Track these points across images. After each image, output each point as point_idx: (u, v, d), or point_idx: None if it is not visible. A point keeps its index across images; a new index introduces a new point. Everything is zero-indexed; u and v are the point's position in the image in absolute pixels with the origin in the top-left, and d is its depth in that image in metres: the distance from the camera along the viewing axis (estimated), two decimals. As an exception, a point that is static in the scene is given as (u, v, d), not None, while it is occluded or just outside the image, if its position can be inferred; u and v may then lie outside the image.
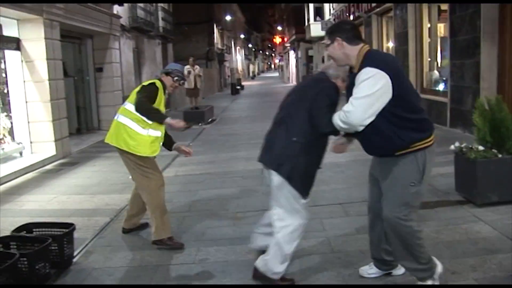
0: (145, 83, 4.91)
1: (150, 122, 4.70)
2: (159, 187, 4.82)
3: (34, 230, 4.60)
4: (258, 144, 3.86)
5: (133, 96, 4.81)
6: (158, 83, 4.87)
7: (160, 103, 4.83)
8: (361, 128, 3.22)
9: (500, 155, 5.07)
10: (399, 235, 3.33)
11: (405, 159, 3.28)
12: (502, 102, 5.23)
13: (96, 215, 5.99)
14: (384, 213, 3.37)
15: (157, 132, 4.80)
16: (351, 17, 19.28)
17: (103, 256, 4.69)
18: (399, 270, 3.73)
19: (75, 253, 4.64)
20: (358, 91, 3.17)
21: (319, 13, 31.26)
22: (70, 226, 4.49)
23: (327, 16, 28.43)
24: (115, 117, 4.91)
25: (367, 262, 3.84)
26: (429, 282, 3.38)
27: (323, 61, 31.79)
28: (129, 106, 4.78)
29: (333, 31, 3.43)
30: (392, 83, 3.13)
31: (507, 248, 4.10)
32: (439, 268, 3.43)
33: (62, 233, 4.34)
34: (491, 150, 5.12)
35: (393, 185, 3.33)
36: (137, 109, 4.66)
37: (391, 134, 3.23)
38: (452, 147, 5.48)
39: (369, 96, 3.12)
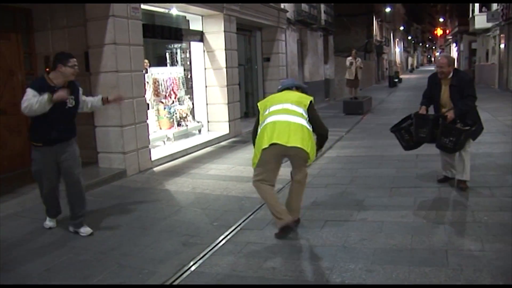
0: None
1: None
2: None
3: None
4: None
5: (294, 98, 4.85)
6: None
7: None
8: None
9: None
10: None
11: None
12: None
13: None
14: None
15: None
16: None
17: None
18: None
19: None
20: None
21: (485, 3, 29.40)
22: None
23: (494, 7, 26.64)
24: (287, 119, 4.70)
25: (505, 231, 4.34)
26: None
27: (487, 54, 30.11)
28: (295, 107, 4.76)
29: None
30: None
31: None
32: None
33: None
34: None
35: None
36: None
37: None
38: None
39: None
